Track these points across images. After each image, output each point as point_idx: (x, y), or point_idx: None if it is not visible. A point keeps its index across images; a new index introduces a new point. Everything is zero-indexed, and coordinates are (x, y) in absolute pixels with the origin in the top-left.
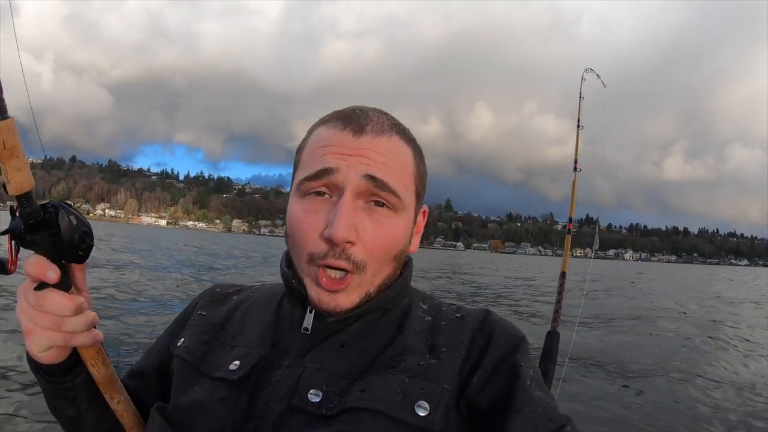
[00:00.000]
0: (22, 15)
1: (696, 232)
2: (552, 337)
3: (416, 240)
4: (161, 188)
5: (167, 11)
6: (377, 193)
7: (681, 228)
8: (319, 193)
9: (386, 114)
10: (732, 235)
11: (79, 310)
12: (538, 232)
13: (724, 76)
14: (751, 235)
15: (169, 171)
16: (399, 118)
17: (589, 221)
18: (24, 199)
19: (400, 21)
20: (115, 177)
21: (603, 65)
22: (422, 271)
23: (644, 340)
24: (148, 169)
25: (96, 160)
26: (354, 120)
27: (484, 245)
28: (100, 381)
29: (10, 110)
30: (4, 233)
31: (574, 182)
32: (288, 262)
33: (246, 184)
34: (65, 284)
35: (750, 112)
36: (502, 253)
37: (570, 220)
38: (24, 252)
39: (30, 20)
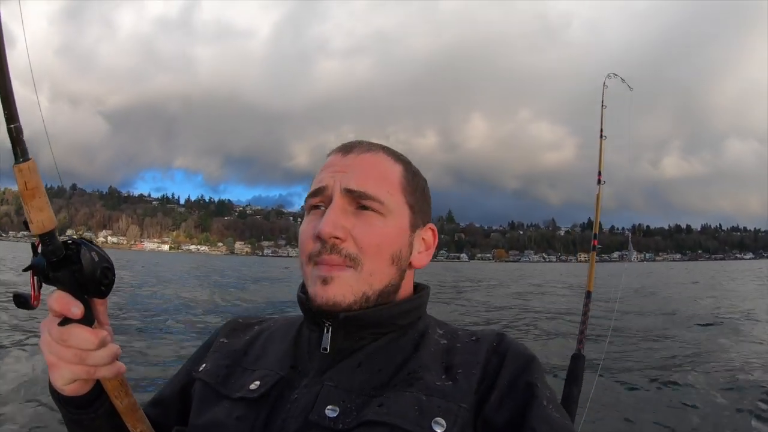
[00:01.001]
0: (17, 46)
1: (699, 229)
2: (577, 360)
3: (424, 256)
4: (162, 213)
5: (159, 38)
6: (360, 202)
7: (683, 225)
8: (317, 207)
9: (383, 145)
10: (735, 229)
11: (102, 344)
12: (541, 239)
13: (716, 71)
14: (755, 228)
15: (169, 196)
16: (394, 132)
17: (592, 225)
18: (47, 237)
19: (389, 37)
20: (116, 204)
21: (593, 68)
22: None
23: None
24: (149, 195)
25: (96, 188)
26: (348, 145)
27: (488, 255)
28: (122, 411)
29: (7, 141)
30: (27, 269)
31: (598, 196)
32: (303, 288)
33: (247, 205)
34: (88, 319)
35: (743, 104)
36: (506, 262)
37: (595, 236)
38: (46, 287)
39: (24, 52)
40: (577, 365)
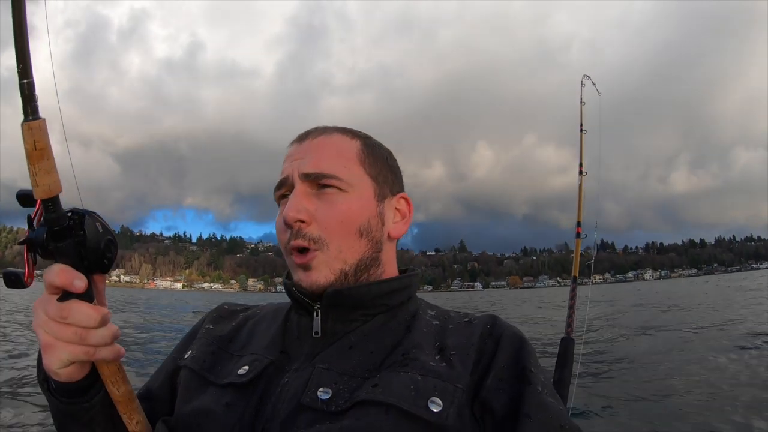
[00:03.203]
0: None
1: (713, 242)
2: (567, 343)
3: (401, 225)
4: (175, 252)
5: (166, 79)
6: (319, 182)
7: (697, 240)
8: (284, 196)
9: (341, 126)
10: (749, 239)
11: (104, 322)
12: (555, 263)
13: (718, 82)
14: None
15: (181, 234)
16: (400, 164)
17: (605, 246)
18: (50, 203)
19: (391, 71)
20: (128, 243)
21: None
22: None
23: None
24: (161, 234)
25: None
26: (304, 132)
27: (502, 282)
28: (119, 400)
29: (21, 181)
30: (23, 243)
31: (580, 185)
32: (288, 275)
33: (258, 242)
34: (89, 295)
35: (748, 113)
36: (521, 288)
37: (579, 224)
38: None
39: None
40: (567, 348)
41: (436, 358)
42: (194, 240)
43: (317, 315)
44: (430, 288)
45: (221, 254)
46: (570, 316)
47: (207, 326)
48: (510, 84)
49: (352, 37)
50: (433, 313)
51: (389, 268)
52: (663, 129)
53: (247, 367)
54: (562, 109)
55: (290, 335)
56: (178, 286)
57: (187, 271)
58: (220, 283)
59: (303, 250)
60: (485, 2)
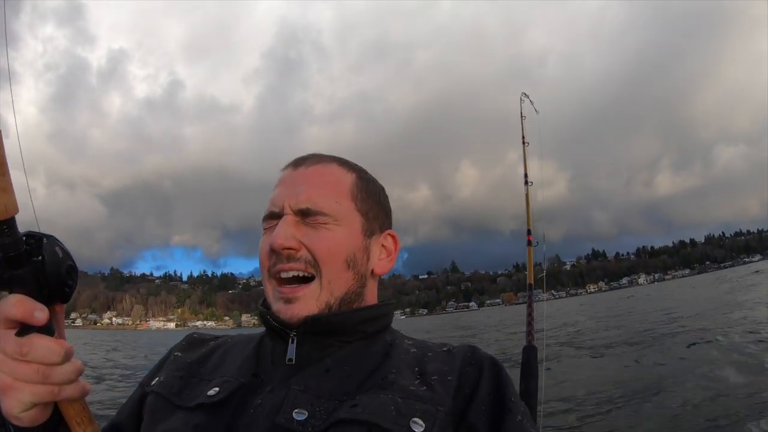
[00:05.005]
0: (10, 134)
1: (703, 241)
2: (529, 352)
3: (386, 263)
4: (166, 291)
5: (147, 119)
6: (308, 216)
7: (687, 240)
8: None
9: (337, 156)
10: (739, 234)
11: (68, 357)
12: (548, 277)
13: (694, 82)
14: (758, 229)
15: (171, 273)
16: (386, 188)
17: (597, 255)
18: (5, 226)
19: (370, 97)
20: (118, 284)
21: (575, 98)
22: None
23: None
24: (151, 274)
25: (98, 269)
26: (299, 159)
27: (497, 300)
28: None
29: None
30: None
31: (527, 195)
32: (265, 303)
33: (249, 277)
34: (50, 328)
35: (726, 110)
36: (515, 304)
37: (529, 231)
38: None
39: (16, 139)
40: (529, 357)
41: (416, 382)
42: (185, 278)
43: (292, 342)
44: (425, 311)
45: (213, 291)
46: (529, 324)
47: (175, 353)
48: (488, 102)
49: (329, 66)
50: (410, 342)
51: (368, 303)
52: (643, 133)
53: (217, 388)
54: (542, 122)
55: (264, 360)
56: (171, 325)
57: (179, 310)
58: (214, 320)
59: (293, 280)
60: (460, 23)
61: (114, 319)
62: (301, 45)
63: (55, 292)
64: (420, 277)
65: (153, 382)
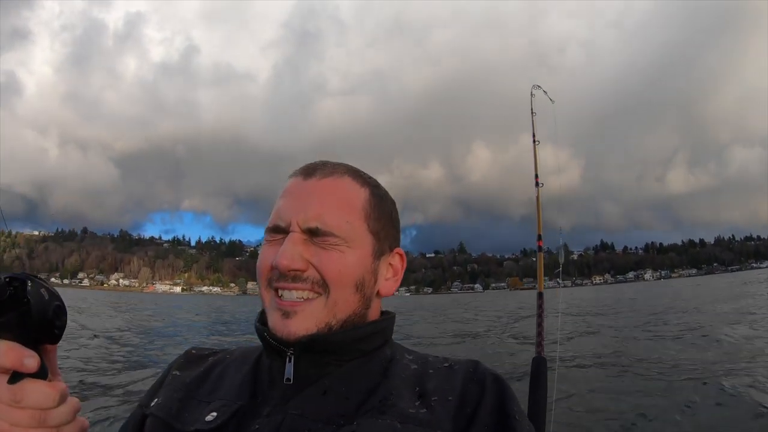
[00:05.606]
0: (24, 94)
1: (713, 242)
2: (538, 364)
3: (392, 283)
4: (174, 255)
5: (162, 84)
6: (317, 236)
7: (697, 240)
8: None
9: (350, 165)
10: (749, 238)
11: (63, 399)
12: (554, 265)
13: (714, 80)
14: None
15: (180, 238)
16: (398, 166)
17: (605, 246)
18: None
19: (385, 73)
20: (127, 246)
21: (592, 88)
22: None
23: None
24: (159, 237)
25: (107, 231)
26: (310, 167)
27: (502, 284)
28: None
29: (19, 185)
30: None
31: (537, 198)
32: (261, 319)
33: (257, 245)
34: (43, 372)
35: (744, 110)
36: (521, 289)
37: (539, 237)
38: None
39: (32, 98)
40: (539, 369)
41: (416, 404)
42: (193, 243)
43: (290, 361)
44: (430, 290)
45: (220, 257)
46: (539, 334)
47: (174, 372)
48: (505, 85)
49: (347, 40)
50: (410, 357)
51: (371, 320)
52: (659, 129)
53: (215, 413)
54: (558, 108)
55: (261, 379)
56: (177, 289)
57: (186, 275)
58: (220, 287)
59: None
60: (479, 3)
61: (121, 280)
62: (318, 17)
63: (43, 335)
64: (427, 255)
65: (152, 404)
